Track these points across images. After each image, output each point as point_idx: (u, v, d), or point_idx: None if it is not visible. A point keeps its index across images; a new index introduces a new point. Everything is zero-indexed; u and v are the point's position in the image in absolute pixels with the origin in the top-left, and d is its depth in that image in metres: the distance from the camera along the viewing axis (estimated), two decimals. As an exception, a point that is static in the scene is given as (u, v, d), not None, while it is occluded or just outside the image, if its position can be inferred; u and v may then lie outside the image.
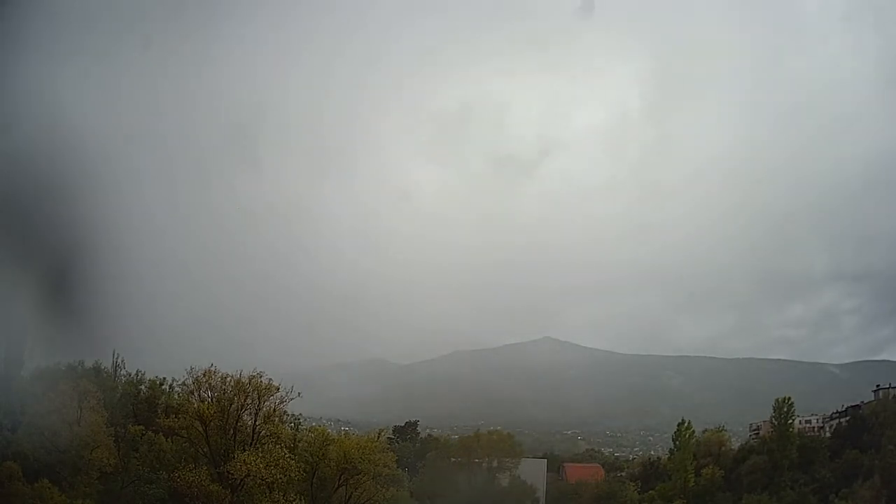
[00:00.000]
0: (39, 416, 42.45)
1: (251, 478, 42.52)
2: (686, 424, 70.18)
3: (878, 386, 75.32)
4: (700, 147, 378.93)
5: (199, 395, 45.53)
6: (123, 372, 55.23)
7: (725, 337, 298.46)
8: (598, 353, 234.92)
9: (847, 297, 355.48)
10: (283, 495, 43.75)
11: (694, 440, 71.26)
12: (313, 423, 68.46)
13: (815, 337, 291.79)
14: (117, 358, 54.71)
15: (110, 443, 44.06)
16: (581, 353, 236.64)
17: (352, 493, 49.10)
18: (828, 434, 74.99)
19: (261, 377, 45.41)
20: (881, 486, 57.89)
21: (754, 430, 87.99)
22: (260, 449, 43.96)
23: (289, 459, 43.73)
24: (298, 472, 45.25)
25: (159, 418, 46.90)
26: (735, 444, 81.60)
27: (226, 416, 44.79)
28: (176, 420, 44.65)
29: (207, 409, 44.31)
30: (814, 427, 78.98)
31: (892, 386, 73.57)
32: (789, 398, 68.93)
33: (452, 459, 73.84)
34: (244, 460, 42.31)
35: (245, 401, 45.16)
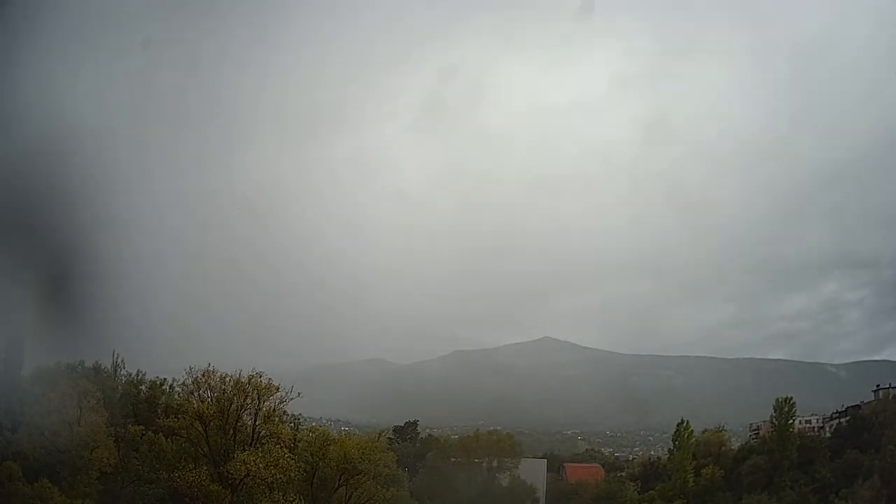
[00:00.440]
0: (39, 416, 42.51)
1: (251, 478, 42.55)
2: (685, 424, 70.11)
3: (878, 386, 75.21)
4: (699, 120, 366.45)
5: (199, 396, 45.59)
6: (123, 372, 55.39)
7: (723, 331, 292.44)
8: (598, 353, 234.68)
9: (852, 289, 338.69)
10: (283, 495, 43.80)
11: (693, 440, 71.17)
12: (313, 423, 68.54)
13: (818, 330, 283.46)
14: (117, 358, 54.86)
15: (110, 443, 44.13)
16: (581, 353, 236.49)
17: (352, 493, 49.16)
18: (828, 434, 74.88)
19: (260, 377, 45.48)
20: (881, 486, 57.81)
21: (754, 430, 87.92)
22: (260, 449, 43.99)
23: (289, 459, 43.80)
24: (298, 472, 45.33)
25: (159, 418, 46.93)
26: (735, 444, 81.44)
27: (225, 416, 44.85)
28: (176, 420, 44.70)
29: (207, 409, 44.35)
30: (814, 427, 78.87)
31: (892, 386, 73.45)
32: (790, 398, 68.84)
33: (452, 459, 73.80)
34: (244, 460, 42.35)
35: (245, 401, 45.22)
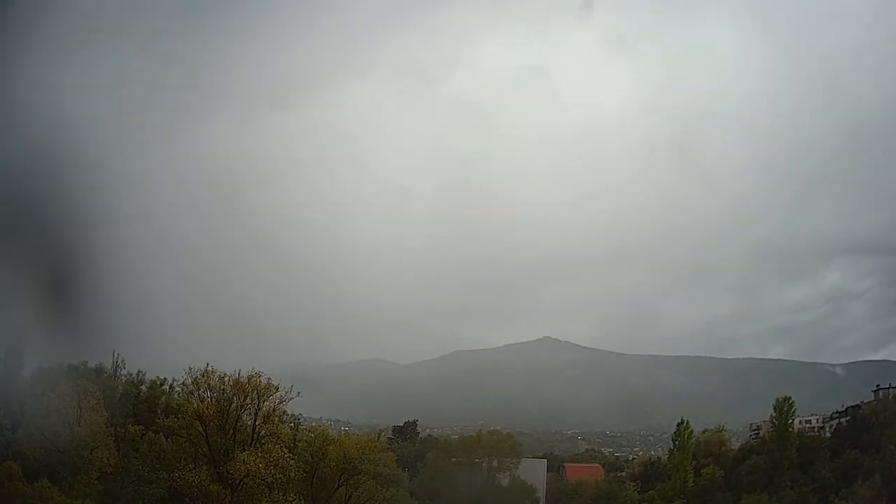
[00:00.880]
0: (39, 416, 42.48)
1: (251, 478, 42.54)
2: (685, 424, 70.13)
3: (878, 386, 75.27)
4: (696, 92, 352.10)
5: (199, 395, 45.59)
6: (123, 372, 55.25)
7: (722, 324, 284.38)
8: (598, 353, 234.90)
9: (856, 278, 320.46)
10: (283, 495, 43.77)
11: (693, 440, 71.18)
12: (313, 423, 68.55)
13: (821, 324, 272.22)
14: (117, 358, 54.74)
15: (110, 443, 44.08)
16: (581, 353, 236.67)
17: (352, 493, 49.14)
18: (828, 434, 74.90)
19: (260, 377, 45.46)
20: (881, 486, 57.84)
21: (754, 430, 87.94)
22: (260, 449, 43.99)
23: (289, 459, 43.76)
24: (298, 472, 45.28)
25: (159, 418, 46.92)
26: (735, 444, 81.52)
27: (225, 416, 44.84)
28: (176, 420, 44.69)
29: (207, 409, 44.35)
30: (814, 427, 78.89)
31: (892, 386, 73.49)
32: (789, 398, 68.88)
33: (452, 459, 73.77)
34: (244, 460, 42.33)
35: (244, 401, 45.20)
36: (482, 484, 70.99)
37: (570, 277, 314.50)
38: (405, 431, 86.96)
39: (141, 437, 46.18)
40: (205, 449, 44.95)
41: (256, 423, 45.67)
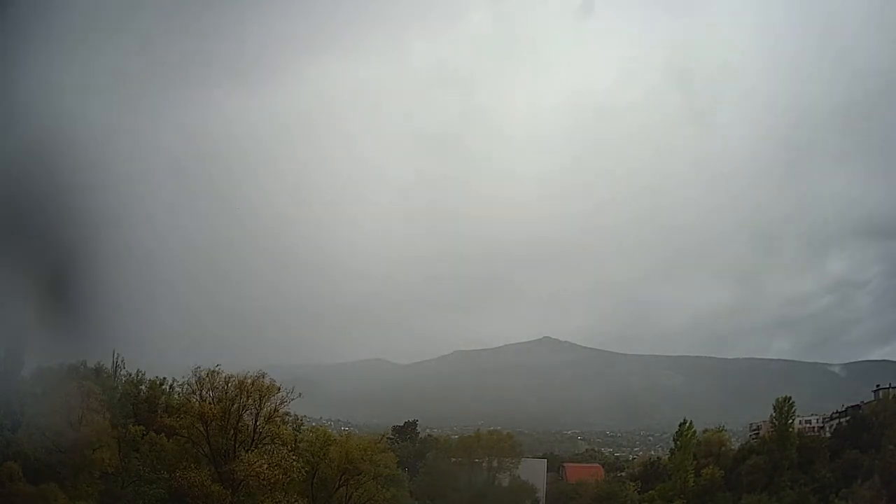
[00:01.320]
0: (40, 417, 42.49)
1: (253, 478, 42.53)
2: (687, 425, 70.11)
3: (878, 386, 75.26)
4: (692, 55, 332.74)
5: (201, 395, 45.60)
6: (124, 372, 55.31)
7: (720, 318, 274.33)
8: (598, 353, 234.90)
9: (861, 267, 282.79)
10: (284, 495, 43.77)
11: (695, 440, 71.19)
12: (314, 424, 68.55)
13: (824, 317, 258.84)
14: (117, 358, 54.79)
15: (112, 443, 44.08)
16: (581, 353, 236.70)
17: (352, 493, 49.16)
18: (828, 434, 74.89)
19: (263, 378, 45.51)
20: (881, 486, 57.81)
21: (754, 430, 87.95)
22: (261, 449, 43.99)
23: (290, 459, 43.77)
24: (299, 472, 45.28)
25: (160, 418, 46.93)
26: (735, 444, 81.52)
27: (227, 416, 44.84)
28: (177, 420, 44.72)
29: (209, 409, 44.35)
30: (814, 427, 78.88)
31: (892, 386, 73.48)
32: (789, 398, 68.85)
33: (452, 459, 73.75)
34: (248, 460, 42.34)
35: (247, 401, 45.20)
36: (482, 484, 70.97)
37: (562, 270, 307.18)
38: (405, 431, 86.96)
39: (142, 438, 46.17)
40: (206, 449, 44.96)
41: (258, 423, 45.69)
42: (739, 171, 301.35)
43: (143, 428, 46.68)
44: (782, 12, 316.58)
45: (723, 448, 75.84)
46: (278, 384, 45.96)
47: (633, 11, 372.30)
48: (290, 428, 51.08)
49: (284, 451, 44.05)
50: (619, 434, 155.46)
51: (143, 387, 54.48)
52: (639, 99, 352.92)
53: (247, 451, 43.48)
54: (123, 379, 55.14)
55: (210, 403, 44.90)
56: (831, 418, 78.34)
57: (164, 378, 54.28)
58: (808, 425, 78.39)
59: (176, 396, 51.56)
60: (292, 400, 46.69)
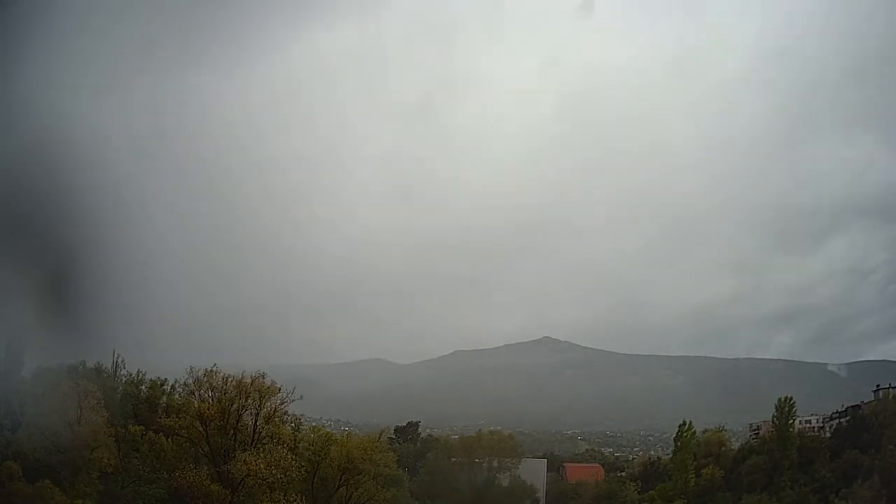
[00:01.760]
0: (40, 416, 42.50)
1: (252, 478, 42.53)
2: (687, 425, 70.11)
3: (878, 386, 75.22)
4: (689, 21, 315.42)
5: (200, 396, 45.61)
6: (124, 372, 55.29)
7: (717, 311, 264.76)
8: (598, 353, 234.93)
9: (867, 253, 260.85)
10: (284, 495, 43.75)
11: (694, 440, 71.18)
12: (314, 423, 68.51)
13: (830, 308, 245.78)
14: (117, 358, 54.78)
15: (111, 443, 44.07)
16: (581, 353, 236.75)
17: (352, 493, 49.12)
18: (828, 434, 74.86)
19: (263, 378, 45.50)
20: (881, 486, 57.77)
21: (754, 430, 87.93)
22: (260, 449, 43.99)
23: (290, 459, 43.75)
24: (299, 472, 45.27)
25: (160, 418, 46.93)
26: (735, 444, 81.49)
27: (226, 416, 44.84)
28: (176, 420, 44.72)
29: (208, 409, 44.36)
30: (814, 427, 78.84)
31: (892, 386, 73.44)
32: (790, 398, 68.84)
33: (453, 459, 73.75)
34: (245, 460, 42.32)
35: (246, 401, 45.20)
36: (482, 484, 70.96)
37: (551, 256, 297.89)
38: (406, 431, 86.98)
39: (142, 437, 46.16)
40: (205, 449, 44.96)
41: (257, 423, 45.69)
42: (736, 145, 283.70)
43: (143, 428, 46.67)
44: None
45: (723, 448, 75.81)
46: (278, 384, 45.94)
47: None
48: (290, 428, 51.03)
49: (283, 451, 43.95)
50: (619, 434, 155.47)
51: (143, 387, 54.45)
52: (630, 65, 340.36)
53: (244, 451, 43.40)
54: (124, 379, 55.13)
55: (209, 403, 44.87)
56: (831, 418, 78.31)
57: (165, 378, 54.28)
58: (808, 425, 78.35)
59: (177, 397, 51.54)
60: (292, 401, 46.69)
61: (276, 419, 46.57)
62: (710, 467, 69.33)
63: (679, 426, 70.64)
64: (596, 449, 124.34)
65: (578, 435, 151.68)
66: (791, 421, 68.53)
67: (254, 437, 45.52)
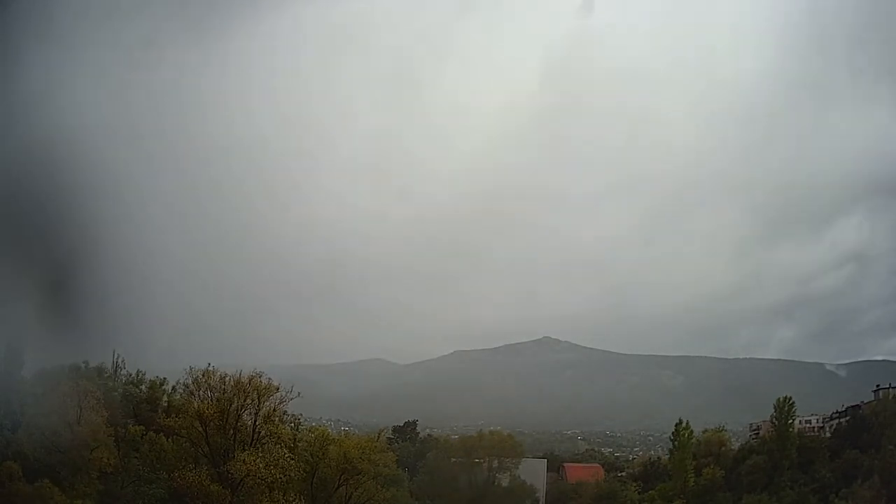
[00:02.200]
0: (40, 416, 42.52)
1: (251, 477, 42.53)
2: (684, 425, 69.99)
3: (878, 386, 75.21)
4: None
5: (199, 396, 45.60)
6: (124, 372, 55.33)
7: (717, 301, 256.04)
8: (598, 353, 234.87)
9: (874, 237, 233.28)
10: (283, 495, 43.77)
11: (693, 440, 71.12)
12: (313, 423, 68.53)
13: (834, 300, 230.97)
14: (117, 358, 54.83)
15: (111, 443, 44.08)
16: (581, 353, 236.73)
17: (352, 493, 49.15)
18: (828, 434, 74.88)
19: (260, 377, 45.49)
20: (881, 486, 57.76)
21: (754, 430, 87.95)
22: (260, 449, 43.99)
23: (289, 459, 43.77)
24: (298, 471, 45.29)
25: (160, 418, 46.93)
26: (735, 444, 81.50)
27: (226, 416, 44.84)
28: (176, 420, 44.72)
29: (207, 409, 44.35)
30: (814, 427, 78.85)
31: (892, 386, 73.43)
32: (790, 398, 68.82)
33: (452, 459, 73.73)
34: (244, 460, 42.33)
35: (245, 401, 45.20)
36: (482, 484, 70.97)
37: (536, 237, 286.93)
38: (405, 431, 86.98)
39: (142, 437, 46.17)
40: (205, 449, 44.95)
41: (257, 423, 45.68)
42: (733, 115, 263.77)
43: (143, 428, 46.67)
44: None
45: (723, 448, 75.81)
46: (277, 384, 45.93)
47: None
48: (290, 427, 51.03)
49: (282, 451, 43.95)
50: (619, 434, 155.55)
51: (143, 387, 54.48)
52: (615, 22, 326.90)
53: (243, 451, 43.40)
54: (124, 379, 55.16)
55: (208, 403, 44.87)
56: (831, 418, 78.32)
57: (165, 378, 54.30)
58: (808, 425, 78.36)
59: (177, 397, 51.56)
60: (291, 399, 46.68)
61: (276, 419, 46.51)
62: (711, 467, 69.29)
63: (676, 425, 70.65)
64: (596, 449, 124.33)
65: (578, 435, 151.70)
66: (791, 421, 68.52)
67: (253, 436, 45.50)
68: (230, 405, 45.00)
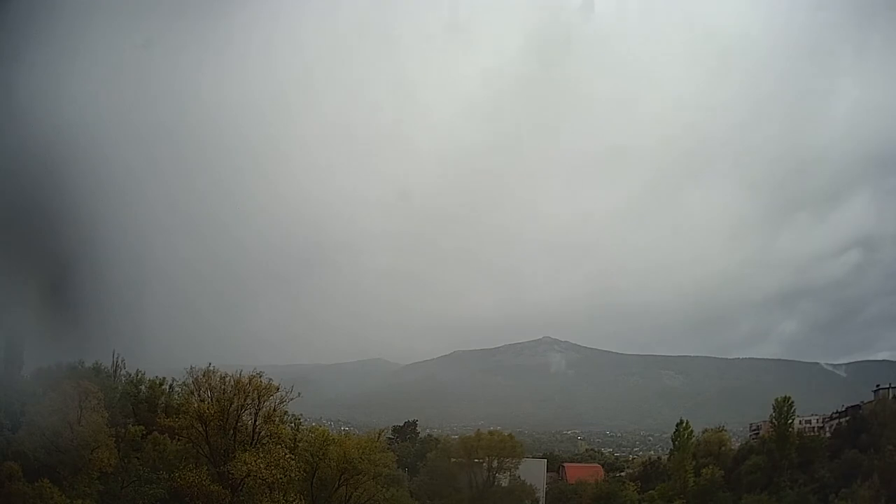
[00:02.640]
0: (40, 416, 42.46)
1: (251, 478, 42.54)
2: (684, 424, 70.16)
3: (878, 386, 75.32)
4: None
5: (199, 395, 45.59)
6: (123, 372, 55.23)
7: (719, 290, 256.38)
8: (598, 353, 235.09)
9: (881, 217, 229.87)
10: (284, 495, 43.76)
11: (693, 440, 71.22)
12: (313, 423, 68.50)
13: (839, 291, 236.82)
14: (117, 358, 54.75)
15: (111, 443, 44.04)
16: (581, 353, 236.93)
17: (352, 493, 49.12)
18: (827, 434, 74.95)
19: (260, 377, 45.49)
20: (881, 486, 57.78)
21: (754, 430, 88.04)
22: (260, 449, 43.99)
23: (289, 459, 43.76)
24: (298, 472, 45.29)
25: (159, 418, 46.90)
26: (735, 444, 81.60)
27: (226, 416, 44.84)
28: (176, 420, 44.71)
29: (207, 409, 44.36)
30: (814, 427, 78.93)
31: (892, 386, 73.53)
32: (789, 398, 68.91)
33: (452, 459, 73.79)
34: (244, 460, 42.33)
35: (245, 401, 45.20)
36: (482, 484, 71.02)
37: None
38: (405, 431, 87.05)
39: (143, 438, 46.14)
40: (205, 449, 44.94)
41: (257, 423, 45.68)
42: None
43: (143, 428, 46.63)
44: None
45: (723, 448, 75.90)
46: (277, 384, 45.94)
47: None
48: (290, 427, 51.01)
49: (282, 451, 43.95)
50: (619, 434, 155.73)
51: (142, 387, 54.42)
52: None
53: (243, 452, 43.41)
54: (123, 379, 55.08)
55: (208, 403, 44.87)
56: (831, 418, 78.41)
57: (164, 378, 54.27)
58: (808, 425, 78.47)
59: (176, 397, 51.52)
60: (291, 399, 46.69)
61: (276, 419, 46.50)
62: (710, 467, 69.33)
63: (676, 425, 70.70)
64: (596, 449, 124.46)
65: (578, 435, 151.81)
66: (790, 421, 68.62)
67: (253, 436, 45.50)
68: (230, 405, 45.00)
